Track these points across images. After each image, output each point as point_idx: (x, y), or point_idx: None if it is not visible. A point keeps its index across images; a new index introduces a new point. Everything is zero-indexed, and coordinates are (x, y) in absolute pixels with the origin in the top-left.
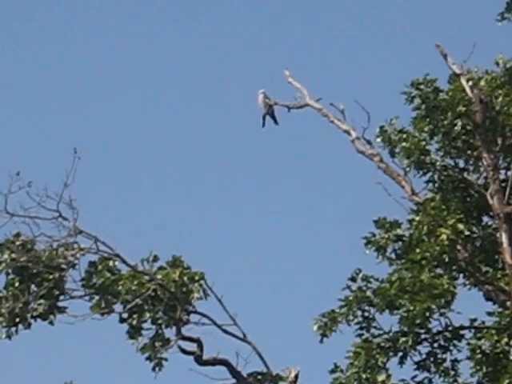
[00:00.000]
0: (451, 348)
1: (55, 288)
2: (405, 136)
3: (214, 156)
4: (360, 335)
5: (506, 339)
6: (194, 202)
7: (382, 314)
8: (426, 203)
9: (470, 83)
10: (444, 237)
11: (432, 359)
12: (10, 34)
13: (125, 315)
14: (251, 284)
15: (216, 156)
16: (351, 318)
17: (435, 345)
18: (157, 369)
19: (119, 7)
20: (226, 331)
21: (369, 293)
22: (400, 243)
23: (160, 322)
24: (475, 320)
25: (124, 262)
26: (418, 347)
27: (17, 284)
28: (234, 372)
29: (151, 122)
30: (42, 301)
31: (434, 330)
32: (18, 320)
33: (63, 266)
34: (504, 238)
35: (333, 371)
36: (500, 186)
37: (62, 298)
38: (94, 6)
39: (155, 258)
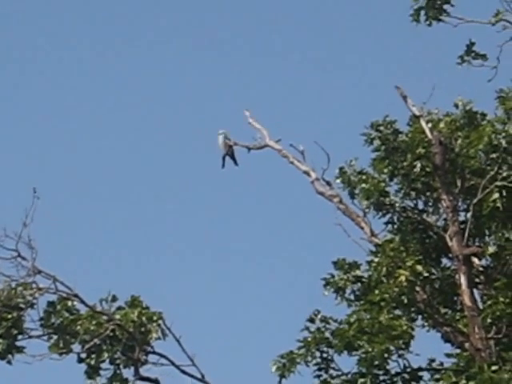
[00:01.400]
0: None
1: (13, 327)
2: (364, 177)
3: (172, 196)
4: (318, 376)
5: (464, 381)
6: (154, 242)
7: (341, 356)
8: (385, 244)
9: (430, 125)
10: (403, 278)
11: None
12: None
13: (83, 355)
14: (210, 324)
15: (175, 196)
16: (310, 359)
17: None
18: None
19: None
20: (184, 372)
21: (327, 334)
22: (359, 284)
23: (118, 362)
24: (433, 361)
25: (82, 302)
26: None
27: None
28: None
29: (109, 162)
30: (0, 340)
31: (393, 372)
32: None
33: (22, 306)
34: (463, 280)
35: None
36: (459, 227)
37: (20, 337)
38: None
39: (114, 298)
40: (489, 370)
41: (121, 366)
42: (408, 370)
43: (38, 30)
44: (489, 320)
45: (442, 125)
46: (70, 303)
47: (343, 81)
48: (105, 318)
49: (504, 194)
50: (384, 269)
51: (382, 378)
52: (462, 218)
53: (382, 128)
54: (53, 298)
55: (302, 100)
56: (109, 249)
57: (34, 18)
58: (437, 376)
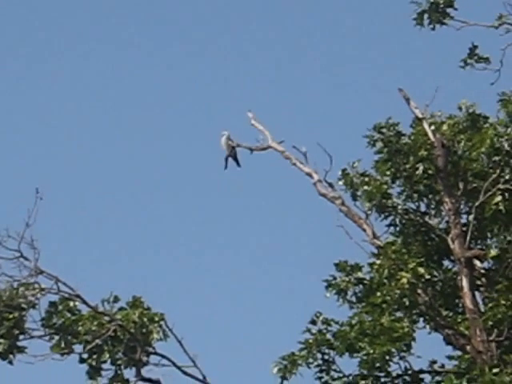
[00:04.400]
0: None
1: (15, 327)
2: (367, 179)
3: (175, 197)
4: (320, 378)
5: (465, 383)
6: (156, 243)
7: (342, 357)
8: (387, 247)
9: (433, 127)
10: (404, 280)
11: None
12: None
13: (85, 355)
14: (212, 326)
15: (178, 197)
16: (311, 360)
17: None
18: None
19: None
20: (185, 373)
21: (329, 336)
22: (361, 286)
23: (120, 362)
24: (435, 363)
25: (84, 302)
26: None
27: None
28: None
29: (111, 163)
30: (1, 340)
31: (394, 374)
32: None
33: (23, 306)
34: (464, 283)
35: None
36: (461, 230)
37: (21, 337)
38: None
39: (116, 299)
40: (490, 373)
41: (122, 367)
42: (409, 372)
43: (38, 30)
44: (490, 323)
45: (444, 127)
46: (71, 303)
47: (346, 83)
48: (106, 318)
49: (506, 196)
50: (386, 271)
51: (383, 380)
52: (464, 220)
53: (384, 130)
54: (55, 298)
55: (305, 102)
56: (111, 249)
57: (35, 17)
58: (438, 378)
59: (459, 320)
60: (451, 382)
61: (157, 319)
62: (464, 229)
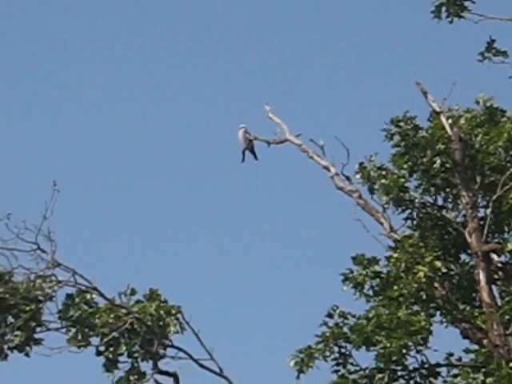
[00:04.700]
0: None
1: (32, 320)
2: (384, 173)
3: (193, 190)
4: (336, 371)
5: (481, 377)
6: (173, 235)
7: (359, 351)
8: (404, 240)
9: (450, 121)
10: (421, 274)
11: None
12: None
13: (101, 348)
14: (228, 319)
15: (195, 190)
16: (328, 354)
17: (411, 382)
18: None
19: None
20: (202, 366)
21: (346, 329)
22: (378, 280)
23: (136, 355)
24: (452, 355)
25: (101, 295)
26: None
27: None
28: None
29: (129, 155)
30: (18, 332)
31: (411, 367)
32: None
33: (40, 298)
34: (481, 276)
35: None
36: (478, 224)
37: (38, 329)
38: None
39: (133, 292)
40: (507, 367)
41: (139, 360)
42: (426, 365)
43: (38, 29)
44: (507, 317)
45: (462, 121)
46: (88, 296)
47: (364, 76)
48: (123, 311)
49: None
50: (403, 264)
51: (399, 373)
52: (481, 214)
53: (402, 124)
54: (72, 290)
55: (322, 95)
56: (128, 242)
57: (36, 16)
58: (455, 372)
59: (476, 314)
60: (468, 375)
61: (174, 312)
62: (481, 223)
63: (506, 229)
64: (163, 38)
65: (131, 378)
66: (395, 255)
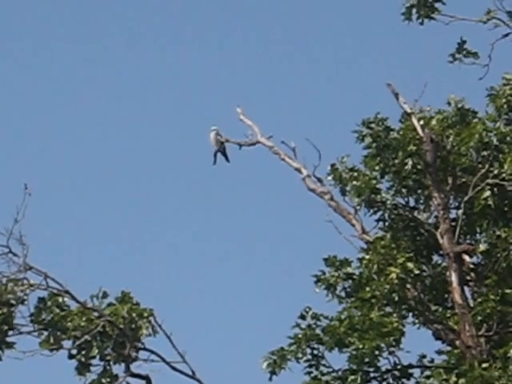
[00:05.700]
0: None
1: (4, 323)
2: (355, 174)
3: (163, 193)
4: (309, 373)
5: (454, 378)
6: (145, 238)
7: (331, 352)
8: (376, 242)
9: (422, 122)
10: (394, 275)
11: None
12: None
13: (74, 351)
14: (201, 321)
15: (166, 193)
16: (300, 355)
17: (384, 383)
18: None
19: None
20: (174, 368)
21: (318, 331)
22: (350, 282)
23: (109, 358)
24: (424, 357)
25: (73, 298)
26: None
27: None
28: None
29: (100, 157)
30: None
31: (383, 369)
32: None
33: (12, 302)
34: (453, 278)
35: None
36: (450, 225)
37: (10, 333)
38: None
39: (104, 295)
40: (479, 368)
41: (111, 363)
42: (398, 367)
43: (39, 28)
44: (479, 317)
45: (433, 122)
46: (60, 299)
47: (335, 78)
48: (95, 314)
49: (495, 191)
50: (375, 266)
51: (372, 374)
52: (453, 215)
53: (373, 125)
54: (44, 294)
55: (293, 97)
56: (100, 245)
57: (37, 15)
58: (427, 373)
59: (448, 315)
60: (440, 376)
61: (146, 315)
62: (453, 224)
63: (478, 230)
64: (135, 38)
65: (103, 380)
66: (367, 257)
